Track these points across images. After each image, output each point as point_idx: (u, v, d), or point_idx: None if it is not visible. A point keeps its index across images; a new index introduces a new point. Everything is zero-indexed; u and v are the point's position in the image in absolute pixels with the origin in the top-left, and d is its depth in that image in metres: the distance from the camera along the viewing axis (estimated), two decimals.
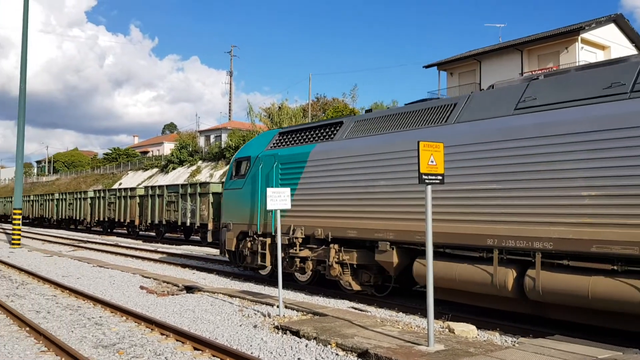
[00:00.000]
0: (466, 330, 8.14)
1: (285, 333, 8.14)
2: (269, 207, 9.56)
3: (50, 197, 46.15)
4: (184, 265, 17.29)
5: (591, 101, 7.62)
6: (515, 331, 8.38)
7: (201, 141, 63.65)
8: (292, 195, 10.87)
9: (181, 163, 59.04)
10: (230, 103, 69.57)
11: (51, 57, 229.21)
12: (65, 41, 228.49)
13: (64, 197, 42.73)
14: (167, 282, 13.39)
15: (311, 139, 12.38)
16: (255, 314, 9.61)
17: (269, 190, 9.63)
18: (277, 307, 9.65)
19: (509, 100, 8.76)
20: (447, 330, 8.19)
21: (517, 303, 8.49)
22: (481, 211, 8.41)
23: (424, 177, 7.14)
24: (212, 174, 51.58)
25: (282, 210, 11.12)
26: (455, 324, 8.32)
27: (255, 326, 8.68)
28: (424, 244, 7.80)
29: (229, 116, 69.28)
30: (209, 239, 24.72)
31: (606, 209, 7.12)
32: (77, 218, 39.71)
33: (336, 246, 11.18)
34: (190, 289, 12.37)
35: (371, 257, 10.51)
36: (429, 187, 7.19)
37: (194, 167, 56.41)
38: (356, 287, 11.21)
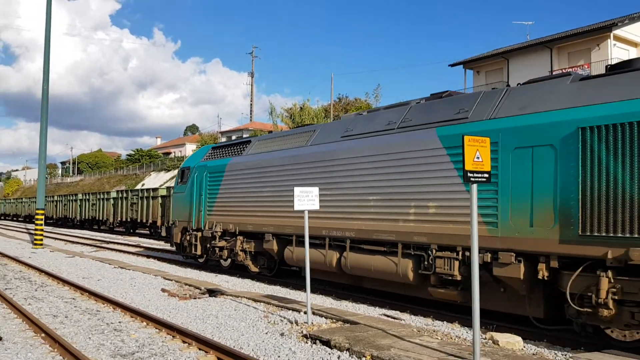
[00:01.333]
0: (511, 341, 7.50)
1: (314, 343, 7.58)
2: (295, 207, 9.02)
3: (74, 198, 46.31)
4: (205, 269, 16.84)
5: (379, 133, 10.73)
6: (563, 343, 7.73)
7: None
8: (215, 198, 15.20)
9: None
10: (251, 104, 69.43)
11: (76, 59, 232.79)
12: (90, 44, 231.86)
13: (87, 197, 42.82)
14: (189, 285, 12.94)
15: (230, 154, 15.55)
16: (282, 320, 9.07)
17: (297, 190, 9.09)
18: (305, 313, 9.10)
19: (340, 130, 11.94)
20: (490, 341, 7.56)
21: (340, 275, 11.66)
22: (319, 210, 10.12)
23: (469, 174, 6.52)
24: None
25: (207, 209, 15.15)
26: (500, 335, 7.68)
27: (282, 334, 8.13)
28: (291, 234, 12.50)
29: (250, 117, 69.15)
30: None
31: (380, 209, 10.31)
32: (100, 218, 39.71)
33: (241, 238, 14.38)
34: (212, 293, 11.90)
35: (262, 246, 13.63)
36: (475, 185, 6.57)
37: None
38: (254, 269, 14.58)
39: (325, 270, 11.77)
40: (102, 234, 36.47)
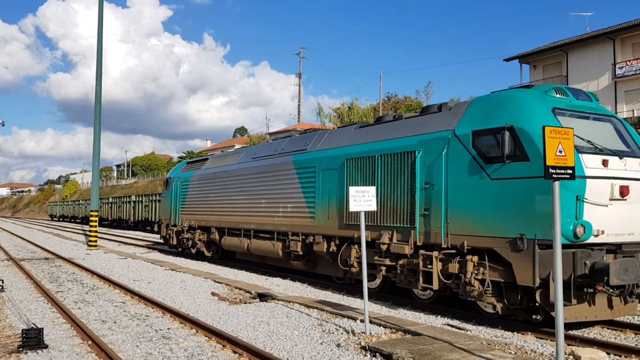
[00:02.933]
0: (595, 358, 6.68)
1: (374, 356, 6.96)
2: (351, 209, 8.43)
3: (128, 200, 47.21)
4: (256, 270, 16.46)
5: (269, 157, 15.11)
6: None
7: None
8: (184, 202, 20.11)
9: None
10: (299, 104, 69.16)
11: (130, 66, 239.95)
12: (144, 51, 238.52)
13: (140, 199, 43.52)
14: (240, 289, 12.55)
15: (195, 168, 20.41)
16: (337, 329, 8.49)
17: (352, 190, 8.49)
18: (362, 321, 8.50)
19: (252, 153, 16.63)
20: (572, 357, 6.76)
21: (252, 255, 16.17)
22: (239, 212, 16.23)
23: (551, 171, 5.76)
24: None
25: (180, 210, 20.33)
26: (582, 350, 6.88)
27: (338, 345, 7.54)
28: (224, 228, 17.21)
29: (298, 118, 68.89)
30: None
31: (266, 209, 14.72)
32: (153, 219, 40.22)
33: (199, 231, 19.02)
34: (263, 297, 11.44)
35: (210, 237, 18.24)
36: (557, 183, 5.81)
37: None
38: (208, 254, 19.23)
39: (243, 252, 16.48)
40: (155, 235, 36.86)
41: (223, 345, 7.60)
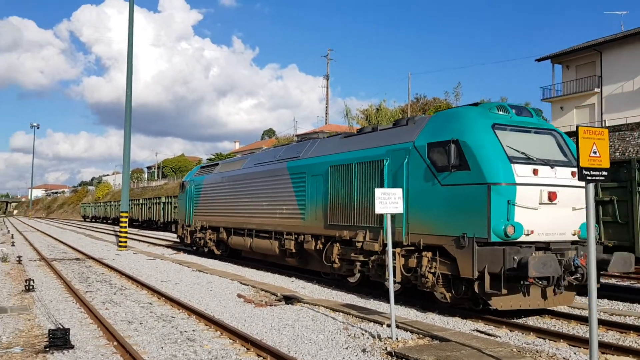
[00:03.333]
0: None
1: None
2: (377, 211, 8.29)
3: (157, 201, 47.78)
4: (282, 272, 16.41)
5: (268, 163, 16.49)
6: None
7: None
8: (197, 204, 21.54)
9: None
10: (326, 106, 69.10)
11: (161, 69, 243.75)
12: (174, 54, 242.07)
13: (170, 200, 43.97)
14: (265, 291, 12.50)
15: (206, 173, 21.91)
16: (363, 334, 8.35)
17: (378, 191, 8.36)
18: (388, 326, 8.34)
19: (255, 159, 17.95)
20: None
21: (254, 253, 17.56)
22: (243, 213, 17.64)
23: (585, 173, 5.54)
24: None
25: (194, 211, 21.78)
26: (616, 359, 6.58)
27: (364, 350, 7.41)
28: (231, 228, 18.60)
29: (326, 120, 68.81)
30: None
31: (266, 211, 15.97)
32: None
33: (210, 231, 20.58)
34: (289, 300, 11.37)
35: (219, 236, 19.66)
36: (591, 186, 5.58)
37: None
38: (217, 252, 20.63)
39: (247, 250, 17.87)
40: None
41: (247, 349, 7.54)
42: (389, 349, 7.30)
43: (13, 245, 27.57)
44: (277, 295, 11.88)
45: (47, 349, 7.23)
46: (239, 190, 18.10)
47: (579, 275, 8.89)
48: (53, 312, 10.02)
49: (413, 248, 10.29)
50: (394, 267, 10.24)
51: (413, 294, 11.45)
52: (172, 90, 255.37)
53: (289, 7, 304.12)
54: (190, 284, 13.95)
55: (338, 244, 12.56)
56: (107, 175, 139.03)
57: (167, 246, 27.80)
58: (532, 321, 9.53)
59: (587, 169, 5.54)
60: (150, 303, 11.14)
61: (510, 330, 8.78)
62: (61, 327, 7.79)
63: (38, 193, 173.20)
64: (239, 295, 11.99)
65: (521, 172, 9.10)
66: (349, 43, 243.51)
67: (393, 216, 9.80)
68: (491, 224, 8.81)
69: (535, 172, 9.24)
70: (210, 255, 21.02)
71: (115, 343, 7.60)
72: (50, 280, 14.44)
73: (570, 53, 38.85)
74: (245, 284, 13.61)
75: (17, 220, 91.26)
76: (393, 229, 9.92)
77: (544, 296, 9.29)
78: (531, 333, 8.50)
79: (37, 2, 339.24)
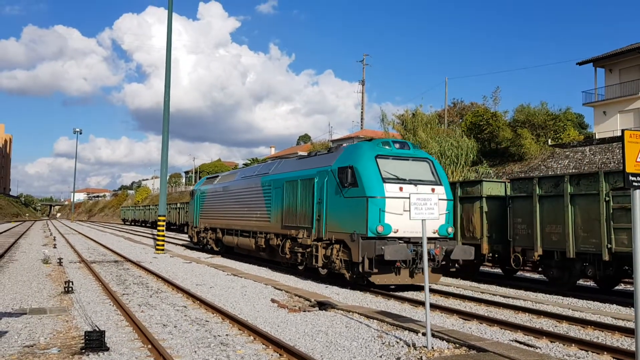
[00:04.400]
0: None
1: None
2: (412, 217, 8.13)
3: None
4: (316, 278, 16.33)
5: (251, 176, 20.73)
6: None
7: None
8: (202, 209, 25.68)
9: None
10: (362, 111, 68.83)
11: (199, 75, 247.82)
12: (212, 61, 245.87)
13: None
14: (299, 296, 12.43)
15: (209, 183, 26.13)
16: (397, 342, 8.18)
17: (413, 197, 8.19)
18: (424, 335, 8.15)
19: (243, 173, 22.20)
20: None
21: (239, 249, 21.69)
22: (231, 216, 21.86)
23: (631, 179, 5.28)
24: None
25: (199, 215, 26.00)
26: None
27: (398, 359, 7.25)
28: (223, 228, 22.91)
29: (361, 125, 68.52)
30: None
31: (247, 216, 20.01)
32: None
33: (210, 231, 24.67)
34: (322, 305, 11.26)
35: (217, 235, 23.75)
36: (637, 192, 5.31)
37: None
38: (216, 249, 24.46)
39: (235, 246, 22.29)
40: None
41: (280, 354, 7.46)
42: (424, 358, 7.13)
43: (55, 247, 28.31)
44: (310, 301, 11.79)
45: (83, 351, 7.31)
46: (229, 198, 22.62)
47: (436, 261, 13.00)
48: (90, 314, 10.17)
49: (329, 242, 14.20)
50: (318, 254, 14.61)
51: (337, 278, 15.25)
52: (210, 96, 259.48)
53: (326, 14, 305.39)
54: (224, 287, 14.01)
55: (289, 240, 16.57)
56: (146, 179, 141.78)
57: (203, 250, 28.06)
58: (573, 332, 9.20)
59: (634, 174, 5.28)
60: (185, 306, 11.20)
61: (551, 341, 8.47)
62: (97, 329, 7.88)
63: (80, 197, 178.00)
64: (273, 300, 11.96)
65: (390, 189, 12.97)
66: (385, 48, 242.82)
67: (319, 219, 14.52)
68: (368, 225, 12.76)
69: (401, 189, 13.04)
70: (211, 252, 25.39)
71: (149, 346, 7.64)
72: (89, 282, 14.71)
73: (613, 56, 37.70)
74: (279, 289, 13.58)
75: (59, 223, 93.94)
76: (318, 228, 14.57)
77: (412, 276, 13.14)
78: (573, 345, 8.18)
79: (81, 11, 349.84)
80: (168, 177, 30.34)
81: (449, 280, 16.35)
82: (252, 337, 8.47)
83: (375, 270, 12.63)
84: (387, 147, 13.98)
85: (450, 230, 13.79)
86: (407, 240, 12.82)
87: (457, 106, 56.86)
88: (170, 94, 27.29)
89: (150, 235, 43.15)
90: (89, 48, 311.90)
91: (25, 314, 10.04)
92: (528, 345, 8.18)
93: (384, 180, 12.99)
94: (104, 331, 7.69)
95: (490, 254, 16.31)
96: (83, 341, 7.55)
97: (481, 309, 11.41)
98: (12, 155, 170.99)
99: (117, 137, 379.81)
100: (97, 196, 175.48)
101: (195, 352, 7.56)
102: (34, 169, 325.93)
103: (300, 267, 16.71)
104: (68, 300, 11.69)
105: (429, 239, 12.79)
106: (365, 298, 12.81)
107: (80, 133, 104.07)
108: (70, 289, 12.59)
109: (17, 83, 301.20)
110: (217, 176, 26.38)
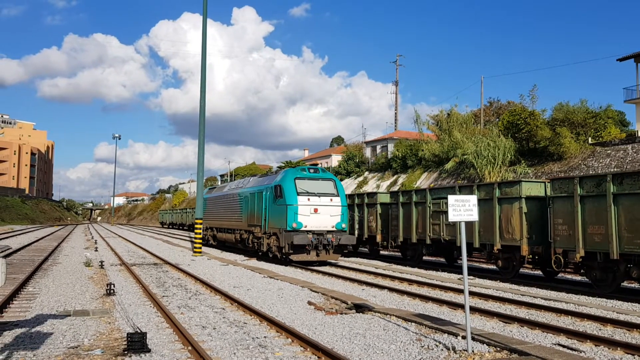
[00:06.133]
0: None
1: None
2: (450, 219, 8.03)
3: None
4: (352, 280, 16.30)
5: (239, 188, 27.40)
6: None
7: (367, 152, 63.37)
8: (205, 213, 31.28)
9: (348, 174, 59.23)
10: (396, 113, 68.42)
11: (234, 80, 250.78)
12: (246, 65, 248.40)
13: None
14: (336, 299, 12.42)
15: (212, 192, 33.88)
16: (437, 345, 8.08)
17: (451, 199, 8.09)
18: (463, 338, 8.03)
19: (238, 184, 29.06)
20: None
21: (226, 242, 29.90)
22: (221, 218, 30.06)
23: None
24: (378, 185, 50.78)
25: (205, 217, 30.83)
26: None
27: None
28: (217, 227, 31.10)
29: (395, 126, 68.16)
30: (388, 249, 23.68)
31: (233, 217, 27.28)
32: None
33: (209, 230, 32.35)
34: (359, 308, 11.23)
35: (214, 233, 31.57)
36: None
37: (360, 178, 56.19)
38: (214, 243, 32.06)
39: (224, 241, 29.49)
40: None
41: (318, 357, 7.47)
42: None
43: (96, 250, 29.01)
44: (347, 304, 11.76)
45: (126, 352, 7.46)
46: (219, 205, 30.27)
47: (332, 245, 19.96)
48: (132, 315, 10.38)
49: (270, 234, 21.56)
50: (263, 243, 22.44)
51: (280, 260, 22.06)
52: (244, 100, 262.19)
53: (358, 15, 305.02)
54: (261, 290, 14.11)
55: (251, 235, 23.91)
56: (183, 183, 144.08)
57: (238, 252, 28.32)
58: (618, 335, 8.92)
59: None
60: (223, 308, 11.33)
61: (596, 345, 8.24)
62: (139, 331, 8.04)
63: (120, 201, 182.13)
64: (310, 303, 11.98)
65: (301, 199, 20.05)
66: (420, 48, 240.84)
67: (265, 220, 21.97)
68: (288, 223, 19.86)
69: (308, 199, 20.12)
70: (216, 246, 32.41)
71: (189, 348, 7.74)
72: (130, 284, 15.02)
73: None
74: (315, 292, 13.60)
75: (100, 226, 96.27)
76: (265, 225, 22.05)
77: (317, 255, 19.99)
78: (618, 348, 7.95)
79: (119, 19, 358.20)
80: (204, 180, 31.71)
81: (487, 282, 16.09)
82: (290, 340, 8.50)
83: (291, 252, 19.95)
84: (304, 172, 21.20)
85: (344, 225, 20.62)
86: (311, 232, 19.97)
87: (494, 105, 55.95)
88: (205, 98, 27.74)
89: (188, 238, 43.81)
90: (127, 55, 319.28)
91: (70, 315, 10.31)
92: (571, 348, 7.98)
93: (298, 194, 20.16)
94: (146, 333, 7.83)
95: (530, 256, 15.99)
96: (125, 343, 7.71)
97: (522, 312, 11.20)
98: (54, 161, 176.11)
99: (154, 141, 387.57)
100: (136, 200, 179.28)
101: (235, 354, 7.63)
102: (75, 174, 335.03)
103: (260, 253, 23.40)
104: (110, 302, 11.96)
105: (329, 231, 20.23)
106: (403, 301, 12.72)
107: (119, 138, 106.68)
108: (111, 291, 12.87)
109: (58, 91, 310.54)
110: (214, 188, 35.30)
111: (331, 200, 20.32)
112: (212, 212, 31.75)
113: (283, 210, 20.06)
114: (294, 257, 19.91)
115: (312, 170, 21.18)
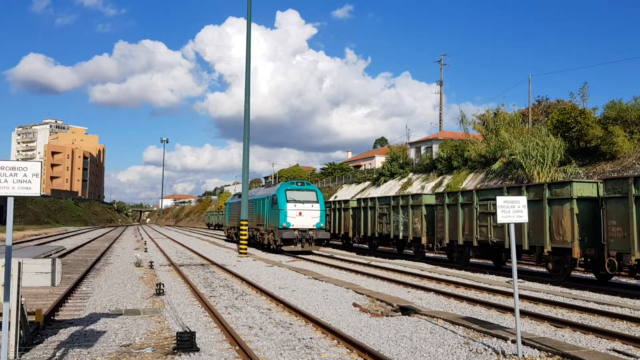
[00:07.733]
0: None
1: None
2: (499, 220, 7.88)
3: None
4: (397, 282, 16.18)
5: (253, 195, 34.39)
6: None
7: (411, 153, 62.72)
8: (229, 215, 41.94)
9: (392, 175, 58.79)
10: (440, 113, 67.53)
11: (278, 83, 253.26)
12: (290, 68, 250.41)
13: None
14: (381, 301, 12.35)
15: (233, 199, 42.38)
16: (485, 349, 7.93)
17: (500, 200, 7.93)
18: (513, 342, 7.86)
19: (252, 190, 37.41)
20: None
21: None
22: (238, 219, 33.64)
23: None
24: (423, 186, 50.21)
25: (228, 219, 42.98)
26: None
27: None
28: (236, 227, 37.31)
29: (440, 126, 67.27)
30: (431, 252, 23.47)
31: (254, 217, 33.38)
32: None
33: (232, 229, 40.17)
34: (405, 310, 11.13)
35: (234, 231, 38.55)
36: None
37: (404, 180, 55.68)
38: (235, 239, 37.50)
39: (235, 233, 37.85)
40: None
41: (364, 359, 7.44)
42: None
43: (146, 251, 29.79)
44: (393, 306, 11.69)
45: (175, 351, 7.63)
46: (238, 209, 33.47)
47: (312, 239, 27.04)
48: (180, 315, 10.61)
49: (269, 231, 28.45)
50: (265, 237, 29.74)
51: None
52: (288, 102, 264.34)
53: (401, 15, 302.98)
54: (306, 291, 14.16)
55: (258, 232, 30.70)
56: (229, 185, 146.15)
57: (284, 253, 28.55)
58: None
59: None
60: (269, 309, 11.43)
61: None
62: (188, 331, 8.20)
63: (168, 202, 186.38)
64: (355, 305, 11.95)
65: (290, 206, 27.22)
66: (464, 47, 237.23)
67: (268, 220, 29.16)
68: (280, 222, 26.92)
69: (295, 205, 27.25)
70: (231, 241, 40.77)
71: (237, 348, 7.85)
72: (178, 284, 15.35)
73: None
74: (360, 293, 13.56)
75: (149, 227, 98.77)
76: (267, 224, 29.14)
77: (302, 246, 26.88)
78: None
79: (166, 25, 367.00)
80: (249, 182, 33.57)
81: (537, 285, 15.68)
82: (335, 341, 8.50)
83: (282, 244, 26.98)
84: (293, 185, 28.56)
85: (322, 225, 27.60)
86: (297, 230, 26.79)
87: (542, 104, 54.52)
88: (250, 102, 28.08)
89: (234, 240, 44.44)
90: (174, 61, 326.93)
91: (121, 314, 10.62)
92: (627, 355, 7.69)
93: (288, 201, 27.25)
94: (194, 332, 7.99)
95: (582, 259, 15.50)
96: (175, 342, 7.89)
97: (574, 316, 10.86)
98: (105, 164, 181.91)
99: (200, 144, 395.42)
100: (183, 202, 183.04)
101: (281, 354, 7.69)
102: (125, 177, 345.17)
103: (265, 246, 30.14)
104: (159, 301, 12.25)
105: (310, 229, 27.13)
106: (450, 304, 12.53)
107: (167, 142, 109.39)
108: (161, 291, 13.18)
109: (109, 96, 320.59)
110: (237, 194, 42.17)
111: (312, 206, 27.57)
112: (233, 214, 39.38)
113: (277, 213, 27.34)
114: (285, 248, 27.04)
115: (299, 184, 29.17)
